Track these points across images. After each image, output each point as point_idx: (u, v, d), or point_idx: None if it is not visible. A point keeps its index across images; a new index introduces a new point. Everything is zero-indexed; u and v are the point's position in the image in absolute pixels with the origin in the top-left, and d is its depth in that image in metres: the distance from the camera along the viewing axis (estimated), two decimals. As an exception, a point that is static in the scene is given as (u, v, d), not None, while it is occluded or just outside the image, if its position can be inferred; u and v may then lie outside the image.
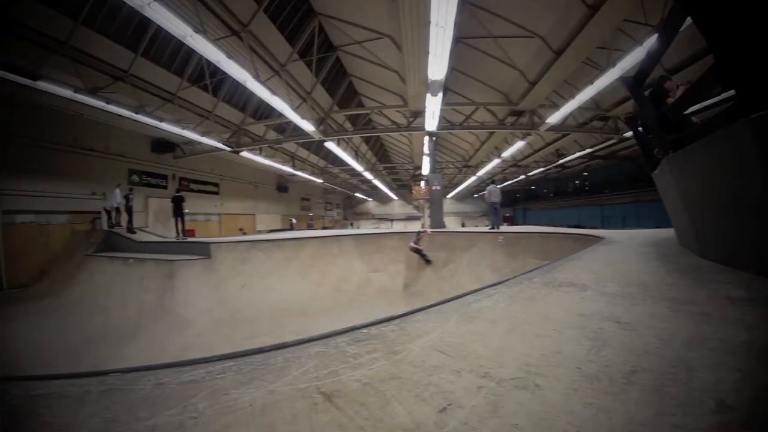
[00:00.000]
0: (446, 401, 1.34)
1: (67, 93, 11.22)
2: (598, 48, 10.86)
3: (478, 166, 28.83)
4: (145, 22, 11.10)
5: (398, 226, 39.32)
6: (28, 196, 13.19)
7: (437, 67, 9.15)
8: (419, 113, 14.53)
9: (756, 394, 1.28)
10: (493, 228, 12.45)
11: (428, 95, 11.14)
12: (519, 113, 15.77)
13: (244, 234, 20.17)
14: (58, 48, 10.66)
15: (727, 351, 1.61)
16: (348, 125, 21.37)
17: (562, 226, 13.76)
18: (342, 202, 51.73)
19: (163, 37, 11.85)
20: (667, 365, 1.52)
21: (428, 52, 8.43)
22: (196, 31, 8.40)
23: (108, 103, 12.34)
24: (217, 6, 10.34)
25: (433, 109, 12.57)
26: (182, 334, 7.24)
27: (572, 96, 12.68)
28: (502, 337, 2.01)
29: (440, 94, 11.11)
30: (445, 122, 16.43)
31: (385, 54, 14.03)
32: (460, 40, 12.40)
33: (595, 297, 2.74)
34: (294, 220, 32.97)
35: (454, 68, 11.32)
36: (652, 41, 6.11)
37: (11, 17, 9.42)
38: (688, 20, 3.21)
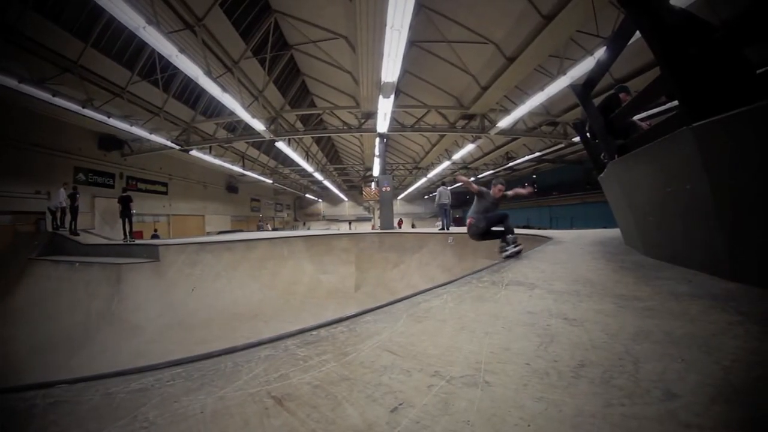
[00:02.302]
0: (397, 401, 1.36)
1: (11, 83, 10.51)
2: (551, 56, 11.23)
3: (428, 168, 29.28)
4: (96, 11, 10.54)
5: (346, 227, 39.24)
6: None
7: (390, 70, 9.21)
8: (371, 115, 14.58)
9: (700, 381, 1.34)
10: (443, 229, 12.65)
11: (380, 97, 11.21)
12: (470, 117, 16.09)
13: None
14: (2, 34, 10.01)
15: (671, 343, 1.70)
16: (300, 125, 21.21)
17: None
18: (293, 203, 51.05)
19: (114, 27, 11.30)
20: (615, 358, 1.59)
21: (383, 54, 8.49)
22: (149, 22, 8.11)
23: (54, 95, 11.63)
24: None
25: (384, 110, 12.63)
26: (133, 340, 6.99)
27: (523, 101, 13.06)
28: (452, 336, 2.05)
29: (392, 97, 11.20)
30: (397, 124, 16.60)
31: (340, 54, 14.05)
32: (414, 43, 12.56)
33: (542, 295, 2.83)
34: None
35: (407, 71, 11.44)
36: (601, 52, 6.40)
37: None
38: (637, 34, 3.42)
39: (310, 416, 1.31)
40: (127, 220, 12.77)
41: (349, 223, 47.85)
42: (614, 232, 6.83)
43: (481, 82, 13.60)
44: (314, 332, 2.29)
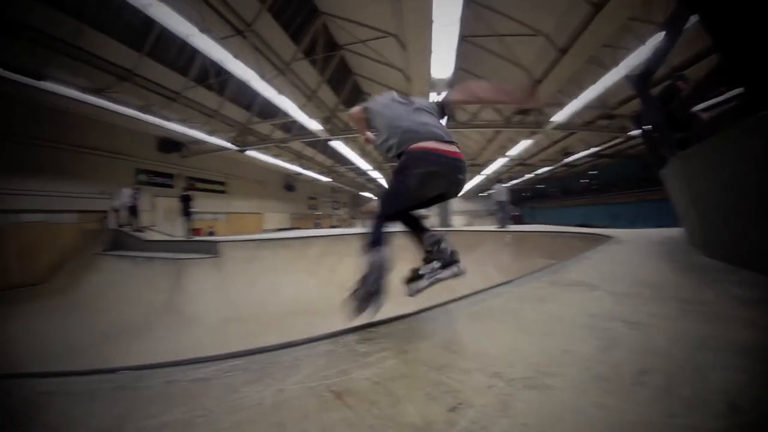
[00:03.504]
0: (456, 400, 1.33)
1: (72, 93, 11.29)
2: (604, 46, 10.78)
3: (484, 165, 28.76)
4: (149, 21, 11.02)
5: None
6: (35, 195, 13.28)
7: (442, 66, 9.12)
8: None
9: (765, 398, 1.27)
10: (500, 227, 12.37)
11: (432, 94, 11.11)
12: (525, 112, 15.70)
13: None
14: (62, 48, 10.71)
15: (737, 352, 1.59)
16: (353, 124, 21.34)
17: (569, 225, 13.56)
18: (349, 200, 51.62)
19: (167, 36, 11.86)
20: (676, 366, 1.51)
21: (432, 51, 8.38)
22: (201, 30, 8.43)
23: (114, 102, 12.41)
24: (220, 5, 10.35)
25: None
26: (191, 332, 7.27)
27: (578, 94, 12.64)
28: (511, 337, 2.00)
29: (445, 93, 11.07)
30: (452, 120, 16.39)
31: (389, 52, 14.00)
32: (464, 38, 12.37)
33: (603, 296, 2.72)
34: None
35: (459, 67, 11.27)
36: (657, 39, 6.02)
37: (12, 18, 9.50)
38: (693, 18, 3.17)
39: (369, 412, 1.30)
40: (187, 217, 13.30)
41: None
42: (676, 232, 6.45)
43: (533, 75, 13.22)
44: (374, 329, 2.27)
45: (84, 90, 11.50)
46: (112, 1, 10.56)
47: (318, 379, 1.59)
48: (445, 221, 15.60)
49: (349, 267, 10.20)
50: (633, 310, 2.30)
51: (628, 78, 5.61)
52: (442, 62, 8.95)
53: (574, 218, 30.96)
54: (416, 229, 2.84)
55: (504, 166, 27.78)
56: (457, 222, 26.04)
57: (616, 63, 10.25)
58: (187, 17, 8.06)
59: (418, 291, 2.55)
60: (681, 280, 3.13)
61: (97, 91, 12.04)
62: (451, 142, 2.42)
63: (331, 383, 1.53)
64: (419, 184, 2.32)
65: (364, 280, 2.32)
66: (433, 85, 10.31)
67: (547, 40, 11.48)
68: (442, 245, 2.61)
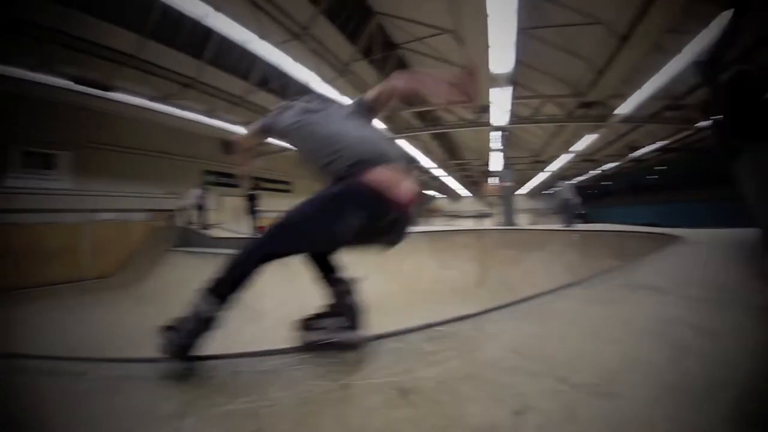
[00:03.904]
0: (522, 403, 1.30)
1: (139, 102, 12.25)
2: (667, 32, 10.11)
3: (548, 162, 27.85)
4: (208, 31, 11.60)
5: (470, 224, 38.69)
6: (109, 196, 14.28)
7: (500, 60, 8.92)
8: (486, 108, 14.23)
9: None
10: (566, 226, 11.95)
11: (494, 89, 10.88)
12: (588, 105, 15.06)
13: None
14: (127, 61, 11.55)
15: None
16: (417, 122, 21.35)
17: (637, 224, 12.82)
18: (414, 199, 51.69)
19: (227, 44, 12.36)
20: (752, 379, 1.43)
21: (489, 45, 8.21)
22: (260, 37, 8.73)
23: (180, 108, 13.28)
24: (275, 11, 10.65)
25: (499, 103, 12.28)
26: (255, 325, 7.41)
27: (642, 85, 11.95)
28: (579, 341, 1.94)
29: (506, 88, 10.80)
30: (514, 116, 16.00)
31: (447, 49, 13.84)
32: (522, 30, 12.02)
33: (675, 301, 2.58)
34: None
35: (519, 60, 10.93)
36: (723, 22, 5.53)
37: (80, 37, 10.35)
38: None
39: (434, 411, 1.29)
40: (253, 216, 13.79)
41: (470, 219, 47.35)
42: (752, 233, 5.94)
43: (595, 66, 12.63)
44: (441, 328, 2.25)
45: (151, 98, 12.43)
46: (171, 13, 11.12)
47: (384, 376, 1.59)
48: (510, 220, 15.21)
49: (413, 265, 10.21)
50: (706, 317, 2.19)
51: (695, 64, 5.21)
52: (501, 56, 8.72)
53: (643, 217, 29.15)
54: (325, 270, 2.28)
55: (569, 162, 26.77)
56: (522, 220, 25.36)
57: (680, 49, 9.59)
58: (245, 25, 8.38)
59: (309, 343, 2.03)
60: (758, 286, 2.93)
61: (164, 99, 12.89)
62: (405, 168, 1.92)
63: (396, 381, 1.52)
64: (354, 231, 1.76)
65: (182, 325, 1.79)
66: (494, 81, 10.06)
67: (607, 28, 10.92)
68: (349, 300, 2.11)
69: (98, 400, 1.60)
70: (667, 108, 16.05)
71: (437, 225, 33.91)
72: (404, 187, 1.77)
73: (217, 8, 7.90)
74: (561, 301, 2.81)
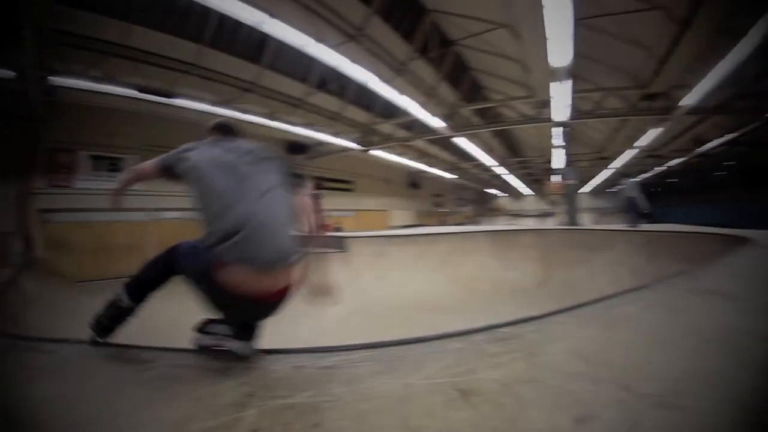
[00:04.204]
0: (583, 411, 1.27)
1: (201, 107, 12.84)
2: (731, 16, 9.17)
3: (611, 158, 26.50)
4: (265, 36, 11.94)
5: (532, 223, 37.70)
6: (173, 196, 15.20)
7: (559, 53, 8.55)
8: (546, 103, 13.73)
9: None
10: (631, 226, 11.39)
11: (554, 83, 10.47)
12: (650, 97, 14.12)
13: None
14: (188, 69, 12.32)
15: None
16: (477, 120, 21.03)
17: (705, 224, 11.89)
18: (475, 198, 50.96)
19: (284, 48, 12.70)
20: None
21: (547, 38, 7.88)
22: (316, 40, 8.95)
23: (241, 112, 13.70)
24: (330, 14, 10.87)
25: (560, 97, 11.82)
26: (317, 321, 7.60)
27: (707, 73, 10.97)
28: (645, 348, 1.86)
29: (566, 82, 10.36)
30: (575, 111, 15.34)
31: (505, 44, 13.45)
32: (579, 21, 11.45)
33: (745, 309, 2.41)
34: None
35: (578, 52, 10.37)
36: None
37: (140, 48, 11.16)
38: None
39: (495, 414, 1.29)
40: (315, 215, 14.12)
41: (533, 218, 46.16)
42: None
43: (655, 55, 11.78)
44: (504, 329, 2.23)
45: (212, 103, 13.01)
46: (228, 22, 11.61)
47: (446, 376, 1.58)
48: (573, 219, 14.62)
49: (474, 265, 10.10)
50: (779, 327, 2.02)
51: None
52: (559, 49, 8.36)
53: (710, 216, 26.98)
54: None
55: (633, 158, 25.28)
56: (586, 220, 24.33)
57: (746, 31, 8.63)
58: (301, 29, 8.62)
59: (200, 345, 2.11)
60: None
61: (225, 103, 13.45)
62: (283, 261, 1.90)
63: (458, 381, 1.52)
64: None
65: (104, 311, 2.10)
66: (553, 74, 9.68)
67: (666, 13, 10.15)
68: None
69: (162, 387, 1.70)
70: (735, 97, 14.74)
71: (499, 224, 33.42)
72: (267, 283, 1.82)
73: (273, 15, 8.13)
74: (626, 305, 2.71)
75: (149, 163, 2.25)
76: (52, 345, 2.38)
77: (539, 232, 11.53)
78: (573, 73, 10.80)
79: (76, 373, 1.92)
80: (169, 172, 2.17)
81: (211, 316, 2.11)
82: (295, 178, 2.22)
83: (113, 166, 13.43)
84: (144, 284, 2.13)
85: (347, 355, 1.94)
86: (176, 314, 8.85)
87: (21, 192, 10.62)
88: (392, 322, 7.25)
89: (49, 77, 9.91)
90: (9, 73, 8.92)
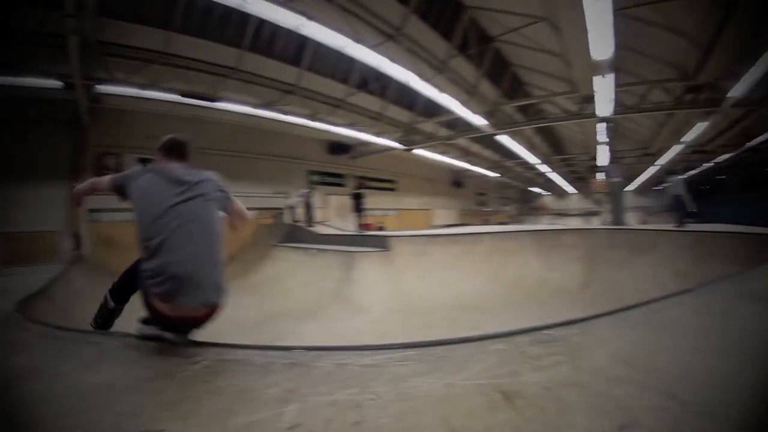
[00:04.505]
0: (626, 418, 1.24)
1: (244, 109, 13.44)
2: None
3: (657, 154, 25.31)
4: (304, 39, 12.39)
5: (576, 222, 36.63)
6: None
7: (600, 46, 8.20)
8: (589, 98, 13.28)
9: None
10: (677, 226, 10.85)
11: (596, 77, 10.09)
12: (697, 89, 13.33)
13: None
14: (229, 73, 12.83)
15: None
16: (519, 117, 20.61)
17: (756, 224, 11.11)
18: (518, 197, 50.04)
19: (323, 50, 12.86)
20: None
21: (588, 30, 7.59)
22: (355, 41, 9.03)
23: (283, 114, 14.23)
24: (367, 15, 10.94)
25: (603, 92, 11.38)
26: (358, 319, 7.65)
27: (755, 61, 10.19)
28: (690, 354, 1.79)
29: (608, 75, 9.95)
30: (618, 105, 14.74)
31: (544, 38, 13.11)
32: (618, 11, 10.96)
33: None
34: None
35: (619, 44, 9.90)
36: None
37: (181, 55, 11.79)
38: None
39: (536, 418, 1.28)
40: (358, 214, 14.24)
41: (577, 218, 44.88)
42: None
43: (699, 44, 11.11)
44: (547, 331, 2.20)
45: (254, 105, 13.54)
46: (266, 26, 12.06)
47: (488, 377, 1.58)
48: (618, 219, 14.05)
49: (516, 265, 9.92)
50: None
51: None
52: (600, 41, 8.03)
53: (762, 216, 25.27)
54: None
55: (679, 154, 24.03)
56: (631, 219, 23.35)
57: None
58: (338, 30, 8.75)
59: (142, 334, 2.33)
60: None
61: (267, 105, 13.91)
62: (205, 304, 2.11)
63: (500, 383, 1.51)
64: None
65: (99, 310, 2.57)
66: (595, 68, 9.33)
67: None
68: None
69: (206, 380, 1.78)
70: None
71: (542, 224, 32.69)
72: (189, 315, 2.10)
73: (310, 17, 8.27)
74: (671, 309, 2.61)
75: (104, 179, 2.43)
76: (99, 337, 2.56)
77: (583, 232, 11.18)
78: (615, 65, 10.39)
79: (123, 364, 2.05)
80: (117, 191, 2.35)
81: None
82: (226, 195, 2.53)
83: (159, 167, 14.29)
84: (121, 289, 2.47)
85: (390, 353, 1.95)
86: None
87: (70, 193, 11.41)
88: (433, 322, 7.22)
89: (95, 85, 10.66)
90: (57, 84, 9.73)
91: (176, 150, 2.49)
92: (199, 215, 2.15)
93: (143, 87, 11.24)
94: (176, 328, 2.23)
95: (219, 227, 2.30)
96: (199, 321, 2.19)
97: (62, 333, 2.73)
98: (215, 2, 8.80)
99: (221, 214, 2.46)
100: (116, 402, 1.59)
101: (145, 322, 2.33)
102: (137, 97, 11.52)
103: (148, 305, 2.13)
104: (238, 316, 8.54)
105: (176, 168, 2.33)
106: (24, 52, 9.42)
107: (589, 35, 7.84)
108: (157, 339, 2.26)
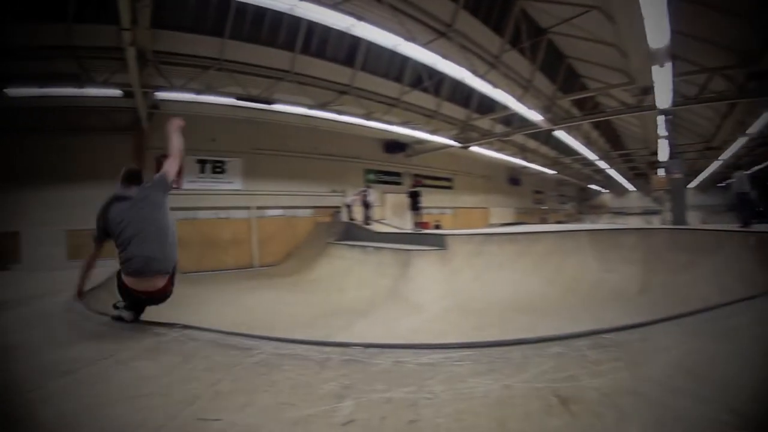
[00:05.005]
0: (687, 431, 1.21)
1: (299, 110, 13.90)
2: None
3: (720, 148, 23.33)
4: (356, 40, 12.53)
5: (636, 222, 34.76)
6: (276, 195, 16.37)
7: (657, 33, 7.65)
8: (648, 89, 12.49)
9: None
10: (742, 225, 9.97)
11: (654, 67, 9.46)
12: (760, 75, 12.09)
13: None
14: (283, 76, 13.30)
15: None
16: (576, 111, 19.80)
17: None
18: (576, 194, 48.21)
19: (375, 50, 13.09)
20: None
21: (643, 16, 7.12)
22: (407, 39, 9.07)
23: (338, 114, 14.56)
24: (417, 13, 10.85)
25: (661, 82, 10.64)
26: (413, 317, 7.64)
27: None
28: (756, 366, 1.71)
29: (667, 64, 9.30)
30: (677, 96, 13.73)
31: (598, 27, 12.45)
32: None
33: None
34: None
35: (674, 30, 9.09)
36: None
37: (236, 60, 12.41)
38: None
39: (593, 425, 1.26)
40: (415, 212, 14.29)
41: (636, 217, 42.63)
42: None
43: (761, 26, 10.00)
44: (607, 336, 2.15)
45: (309, 107, 13.91)
46: (317, 28, 12.38)
47: (545, 381, 1.57)
48: (679, 218, 13.13)
49: (573, 266, 9.59)
50: None
51: None
52: (655, 28, 7.48)
53: None
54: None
55: (744, 147, 22.03)
56: (693, 218, 21.77)
57: None
58: (390, 29, 8.80)
59: (112, 316, 3.18)
60: None
61: (322, 106, 14.25)
62: (158, 272, 2.86)
63: (557, 387, 1.50)
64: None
65: (117, 306, 3.16)
66: (651, 57, 8.74)
67: None
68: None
69: (263, 373, 1.86)
70: None
71: (601, 222, 31.29)
72: (147, 287, 2.85)
73: (360, 18, 8.38)
74: (735, 317, 2.50)
75: (91, 254, 3.14)
76: (161, 328, 2.81)
77: (642, 232, 10.62)
78: (672, 53, 9.71)
79: (184, 355, 2.18)
80: (103, 241, 3.03)
81: (121, 301, 3.14)
82: (160, 175, 3.17)
83: (218, 168, 15.08)
84: (120, 289, 3.05)
85: (448, 353, 1.96)
86: (273, 304, 9.45)
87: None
88: (487, 322, 7.12)
89: (153, 92, 11.55)
90: (117, 92, 10.74)
91: (130, 178, 3.11)
92: (146, 217, 2.89)
93: (200, 92, 11.94)
94: (140, 302, 3.04)
95: (166, 220, 3.01)
96: (155, 295, 2.93)
97: (122, 324, 2.98)
98: (266, 8, 9.28)
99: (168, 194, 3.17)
100: (174, 390, 1.68)
101: (115, 306, 3.19)
102: (195, 102, 12.26)
103: (120, 287, 2.98)
104: (295, 313, 8.85)
105: (129, 190, 2.99)
106: (84, 65, 10.37)
107: (645, 22, 7.38)
108: (120, 319, 3.07)
